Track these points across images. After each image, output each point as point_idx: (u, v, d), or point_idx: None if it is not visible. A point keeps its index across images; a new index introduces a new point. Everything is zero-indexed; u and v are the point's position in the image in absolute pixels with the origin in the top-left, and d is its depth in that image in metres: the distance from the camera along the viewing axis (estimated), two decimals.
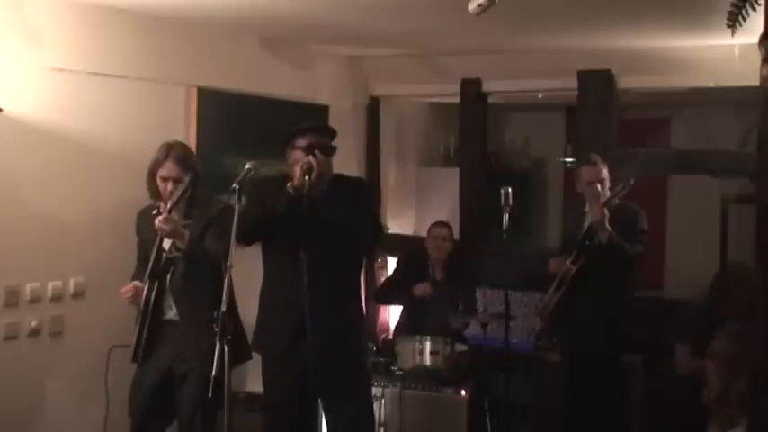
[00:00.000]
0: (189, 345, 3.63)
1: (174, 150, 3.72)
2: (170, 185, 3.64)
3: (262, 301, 3.65)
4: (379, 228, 3.77)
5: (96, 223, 4.09)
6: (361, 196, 3.63)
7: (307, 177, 3.30)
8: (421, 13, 4.17)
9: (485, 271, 5.47)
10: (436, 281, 5.27)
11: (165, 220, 3.49)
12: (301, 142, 3.45)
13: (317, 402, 3.67)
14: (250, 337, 3.69)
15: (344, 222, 3.41)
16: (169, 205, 3.52)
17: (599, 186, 4.48)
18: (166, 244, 3.66)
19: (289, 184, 3.39)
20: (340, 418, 3.56)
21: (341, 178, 3.61)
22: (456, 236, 5.68)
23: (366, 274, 6.08)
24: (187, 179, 3.56)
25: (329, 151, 3.49)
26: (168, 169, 3.67)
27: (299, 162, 3.39)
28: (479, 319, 4.85)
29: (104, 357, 3.74)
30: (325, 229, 3.37)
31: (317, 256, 3.31)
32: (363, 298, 5.91)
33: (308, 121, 3.73)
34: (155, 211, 3.58)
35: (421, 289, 5.20)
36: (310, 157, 3.35)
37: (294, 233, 3.32)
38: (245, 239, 3.33)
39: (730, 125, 6.22)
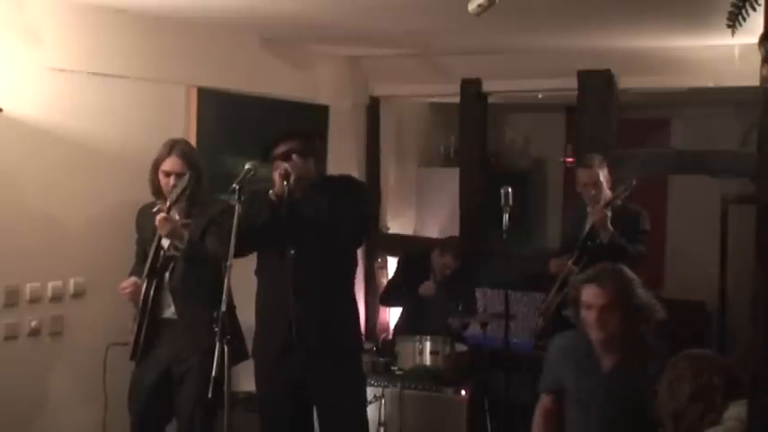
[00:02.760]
0: (187, 344, 3.63)
1: (178, 146, 3.74)
2: (172, 179, 3.65)
3: (256, 307, 3.67)
4: (365, 222, 3.76)
5: (96, 223, 4.09)
6: (347, 192, 3.61)
7: (285, 182, 3.33)
8: (421, 13, 4.17)
9: (485, 271, 5.47)
10: (436, 281, 5.28)
11: (164, 220, 3.49)
12: (277, 151, 3.48)
13: (311, 405, 3.66)
14: (248, 338, 3.69)
15: (328, 220, 3.42)
16: (169, 202, 3.51)
17: (593, 190, 4.47)
18: (165, 242, 3.66)
19: (270, 192, 3.41)
20: (331, 421, 3.56)
21: (327, 178, 3.63)
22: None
23: (366, 274, 6.09)
24: (188, 176, 3.56)
25: (305, 153, 3.49)
26: (171, 163, 3.68)
27: (275, 170, 3.42)
28: (479, 319, 4.85)
29: (103, 355, 3.74)
30: (309, 229, 3.38)
31: (304, 256, 3.33)
32: (364, 298, 5.98)
33: (309, 123, 3.74)
34: (155, 209, 3.57)
35: (426, 288, 5.21)
36: (285, 163, 3.39)
37: (280, 238, 3.34)
38: (239, 252, 3.34)
39: (730, 125, 6.22)
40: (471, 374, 4.80)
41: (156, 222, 3.50)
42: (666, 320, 3.29)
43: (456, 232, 5.85)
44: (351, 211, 3.51)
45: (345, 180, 3.79)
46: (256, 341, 3.64)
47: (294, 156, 3.43)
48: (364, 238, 3.85)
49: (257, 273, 3.64)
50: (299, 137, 3.57)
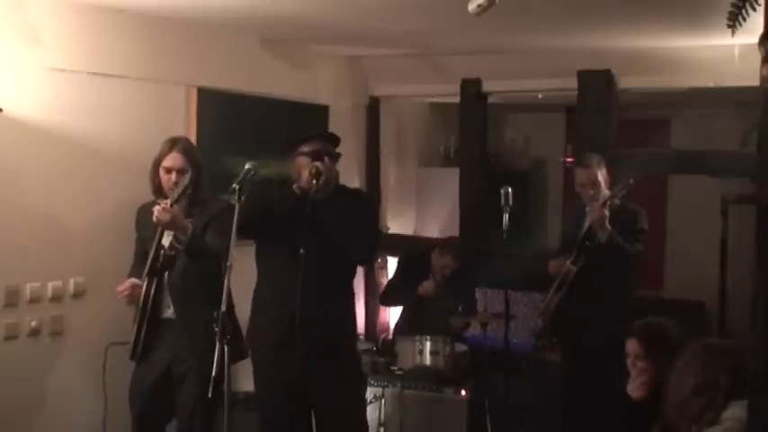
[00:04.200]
0: (186, 344, 3.63)
1: (179, 143, 3.74)
2: (173, 176, 3.64)
3: (255, 301, 3.67)
4: (376, 243, 3.81)
5: (96, 223, 4.09)
6: (363, 208, 3.68)
7: (315, 181, 3.35)
8: (421, 13, 4.18)
9: (485, 271, 5.47)
10: (436, 281, 5.28)
11: (164, 210, 3.44)
12: (307, 148, 3.49)
13: (310, 404, 3.66)
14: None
15: (344, 230, 3.45)
16: (170, 201, 3.48)
17: (591, 189, 4.48)
18: (165, 241, 3.66)
19: (295, 185, 3.43)
20: (331, 420, 3.57)
21: (343, 188, 3.66)
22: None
23: (366, 274, 6.09)
24: (188, 175, 3.55)
25: (335, 158, 3.55)
26: (172, 159, 3.67)
27: (305, 166, 3.43)
28: (479, 318, 4.85)
29: (103, 355, 3.74)
30: (326, 233, 3.40)
31: (315, 257, 3.34)
32: (363, 298, 5.98)
33: (310, 123, 3.77)
34: (155, 207, 3.56)
35: (425, 287, 5.20)
36: (318, 162, 3.40)
37: (295, 233, 3.34)
38: (247, 232, 3.35)
39: (730, 125, 6.23)
40: (471, 374, 4.80)
41: (156, 213, 3.46)
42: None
43: (456, 232, 5.85)
44: (364, 222, 3.57)
45: (360, 194, 3.85)
46: (253, 334, 3.64)
47: (326, 158, 3.46)
48: (373, 256, 3.90)
49: (259, 265, 3.65)
50: (330, 140, 3.62)
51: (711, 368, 2.53)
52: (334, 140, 3.64)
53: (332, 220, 3.42)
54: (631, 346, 3.10)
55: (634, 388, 3.04)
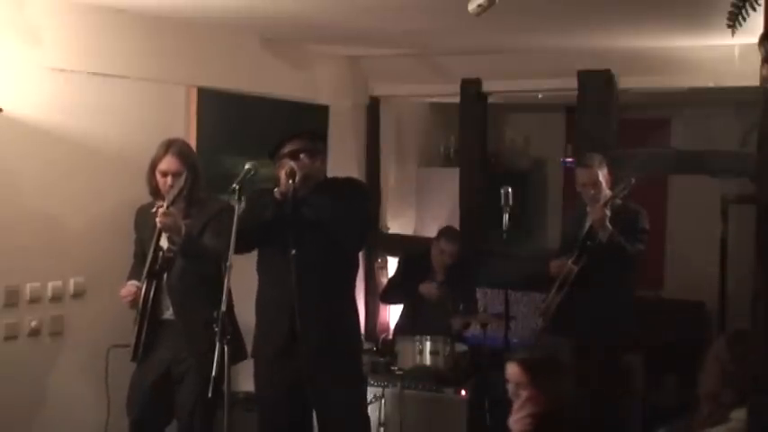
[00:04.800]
0: (186, 345, 3.63)
1: (174, 145, 3.73)
2: (169, 179, 3.64)
3: (257, 304, 3.67)
4: (364, 227, 3.78)
5: (96, 223, 4.09)
6: (349, 196, 3.64)
7: (291, 181, 3.35)
8: (421, 13, 4.18)
9: (485, 271, 5.47)
10: (437, 280, 5.28)
11: (166, 215, 3.47)
12: (285, 150, 3.51)
13: (310, 405, 3.66)
14: (247, 338, 3.69)
15: (330, 222, 3.43)
16: (166, 203, 3.50)
17: (592, 189, 4.48)
18: (164, 243, 3.66)
19: (276, 189, 3.43)
20: (332, 420, 3.57)
21: (331, 180, 3.65)
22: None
23: (366, 274, 6.09)
24: (184, 176, 3.56)
25: (313, 153, 3.54)
26: (168, 163, 3.67)
27: (282, 168, 3.44)
28: (479, 318, 4.85)
29: (104, 357, 3.74)
30: (312, 230, 3.39)
31: (306, 256, 3.35)
32: (364, 298, 5.97)
33: (310, 123, 3.76)
34: (153, 209, 3.57)
35: (427, 288, 5.19)
36: (292, 162, 3.41)
37: (284, 235, 3.35)
38: (241, 249, 3.35)
39: (730, 125, 6.22)
40: (471, 374, 4.80)
41: (158, 218, 3.48)
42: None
43: None
44: (353, 212, 3.53)
45: (348, 182, 3.82)
46: (257, 339, 3.65)
47: (302, 155, 3.47)
48: (363, 241, 3.88)
49: (258, 270, 3.65)
50: (307, 137, 3.62)
51: (722, 383, 2.52)
52: (311, 136, 3.64)
53: (315, 216, 3.41)
54: (512, 371, 2.71)
55: (516, 421, 2.68)
